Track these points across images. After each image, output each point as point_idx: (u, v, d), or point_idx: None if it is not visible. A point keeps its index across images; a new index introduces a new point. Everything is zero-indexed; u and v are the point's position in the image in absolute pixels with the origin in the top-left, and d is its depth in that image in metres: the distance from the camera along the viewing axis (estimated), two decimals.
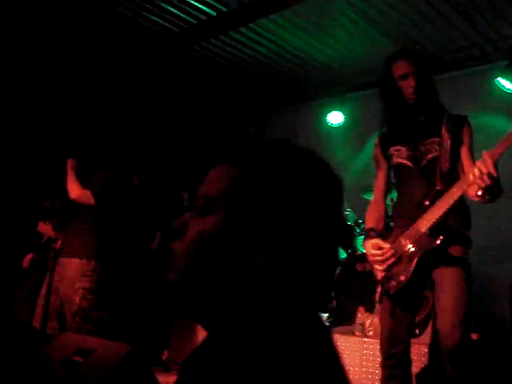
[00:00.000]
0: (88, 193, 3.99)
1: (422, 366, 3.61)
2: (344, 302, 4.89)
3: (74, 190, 4.04)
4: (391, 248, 2.95)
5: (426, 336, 3.87)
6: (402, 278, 2.85)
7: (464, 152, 3.03)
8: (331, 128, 7.20)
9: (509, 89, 5.61)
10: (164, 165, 7.15)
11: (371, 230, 3.18)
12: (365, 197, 5.21)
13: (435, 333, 3.79)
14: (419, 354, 3.49)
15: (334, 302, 5.06)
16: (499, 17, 5.36)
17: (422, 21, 5.51)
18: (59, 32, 5.87)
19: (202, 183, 1.06)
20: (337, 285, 5.11)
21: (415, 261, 2.84)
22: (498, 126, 5.54)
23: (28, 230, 5.70)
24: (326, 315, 5.06)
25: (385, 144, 3.26)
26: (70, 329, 3.78)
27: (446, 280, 2.86)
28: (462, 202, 2.92)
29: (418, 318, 3.78)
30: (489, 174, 2.52)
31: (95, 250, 3.97)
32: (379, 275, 2.99)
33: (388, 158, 3.24)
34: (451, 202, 2.75)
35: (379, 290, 2.99)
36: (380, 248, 2.99)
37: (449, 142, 2.98)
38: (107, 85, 6.58)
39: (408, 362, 2.97)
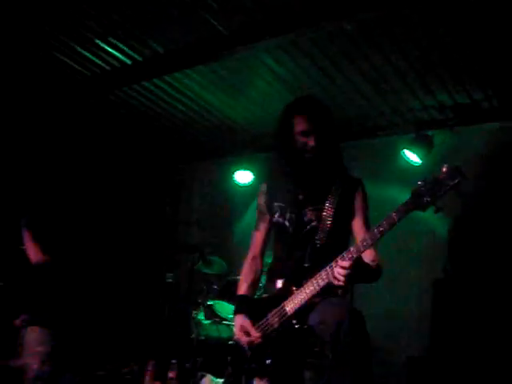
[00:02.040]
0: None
1: None
2: None
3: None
4: (259, 331, 2.79)
5: None
6: (268, 361, 2.72)
7: (357, 224, 2.89)
8: (238, 187, 7.10)
9: (414, 161, 5.73)
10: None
11: (243, 298, 3.02)
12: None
13: None
14: None
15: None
16: (407, 89, 5.45)
17: (333, 88, 5.56)
18: None
19: None
20: None
21: (281, 344, 2.71)
22: (402, 199, 5.54)
23: None
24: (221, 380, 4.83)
25: (271, 196, 3.07)
26: None
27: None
28: None
29: None
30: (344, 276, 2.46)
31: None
32: (247, 353, 2.84)
33: (271, 211, 3.04)
34: (317, 288, 2.61)
35: (245, 367, 2.84)
36: (247, 333, 2.83)
37: (331, 213, 2.83)
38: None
39: None
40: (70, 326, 5.01)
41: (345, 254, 2.52)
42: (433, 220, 5.76)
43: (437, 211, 2.39)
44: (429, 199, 2.36)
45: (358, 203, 2.91)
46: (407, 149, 5.72)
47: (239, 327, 2.87)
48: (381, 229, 2.44)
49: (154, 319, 6.33)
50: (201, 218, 6.76)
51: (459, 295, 5.22)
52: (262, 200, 3.13)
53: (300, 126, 2.85)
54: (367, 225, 2.89)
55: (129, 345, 5.82)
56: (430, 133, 5.68)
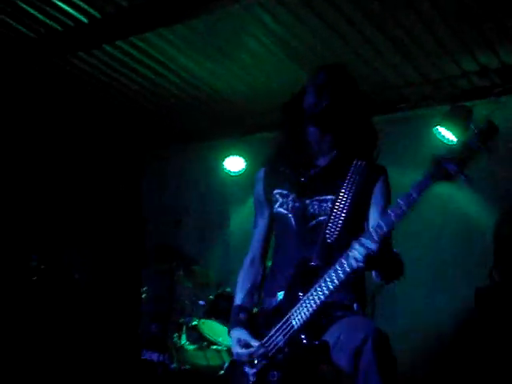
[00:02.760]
0: None
1: None
2: None
3: None
4: (261, 346, 2.53)
5: None
6: None
7: (374, 218, 2.63)
8: (229, 176, 6.70)
9: (449, 140, 5.23)
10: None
11: (241, 309, 2.74)
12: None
13: None
14: None
15: None
16: (440, 49, 4.97)
17: (345, 48, 5.08)
18: None
19: None
20: None
21: (289, 364, 2.45)
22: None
23: None
24: None
25: (270, 181, 2.80)
26: None
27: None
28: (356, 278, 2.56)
29: None
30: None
31: None
32: (251, 379, 2.54)
33: (271, 201, 2.79)
34: (326, 293, 2.35)
35: None
36: (247, 346, 2.56)
37: (347, 204, 2.55)
38: None
39: None
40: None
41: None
42: (476, 216, 5.42)
43: (465, 180, 2.12)
44: (455, 167, 2.12)
45: (377, 197, 2.63)
46: (440, 125, 5.23)
47: (236, 341, 2.62)
48: (398, 211, 2.23)
49: (123, 344, 5.91)
50: (181, 216, 6.26)
51: (508, 308, 4.71)
52: (259, 188, 2.85)
53: (313, 79, 2.67)
54: None
55: (93, 377, 5.44)
56: (468, 104, 5.17)
